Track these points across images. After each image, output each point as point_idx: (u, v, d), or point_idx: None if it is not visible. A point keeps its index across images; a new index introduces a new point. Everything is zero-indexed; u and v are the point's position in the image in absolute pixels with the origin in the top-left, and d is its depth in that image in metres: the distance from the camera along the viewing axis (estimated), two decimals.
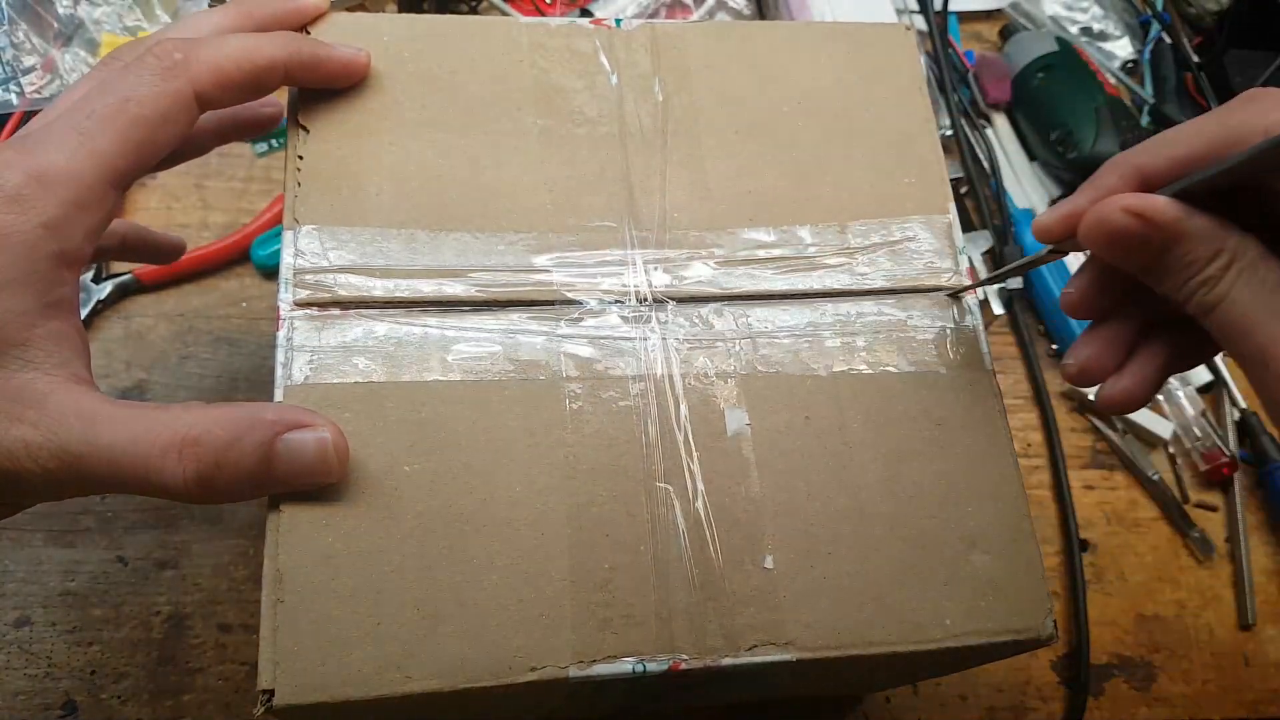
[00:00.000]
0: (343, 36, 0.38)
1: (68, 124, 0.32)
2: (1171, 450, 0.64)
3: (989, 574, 0.35)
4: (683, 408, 0.35)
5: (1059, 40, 0.72)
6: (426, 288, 0.36)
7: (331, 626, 0.31)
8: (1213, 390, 0.66)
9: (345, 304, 0.35)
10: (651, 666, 0.32)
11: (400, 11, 0.68)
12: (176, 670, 0.49)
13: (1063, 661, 0.57)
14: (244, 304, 0.59)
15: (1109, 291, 0.34)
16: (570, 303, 0.36)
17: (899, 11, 0.73)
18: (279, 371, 0.34)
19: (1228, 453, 0.62)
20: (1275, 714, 0.58)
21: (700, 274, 0.38)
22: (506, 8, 0.69)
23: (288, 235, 0.36)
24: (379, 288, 0.35)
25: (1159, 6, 0.79)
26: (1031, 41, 0.73)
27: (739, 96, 0.41)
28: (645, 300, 0.37)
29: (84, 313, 0.56)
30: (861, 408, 0.36)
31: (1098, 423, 0.64)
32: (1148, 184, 0.31)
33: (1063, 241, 0.33)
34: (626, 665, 0.32)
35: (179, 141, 0.34)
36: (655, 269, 0.37)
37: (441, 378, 0.34)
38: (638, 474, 0.34)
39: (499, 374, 0.35)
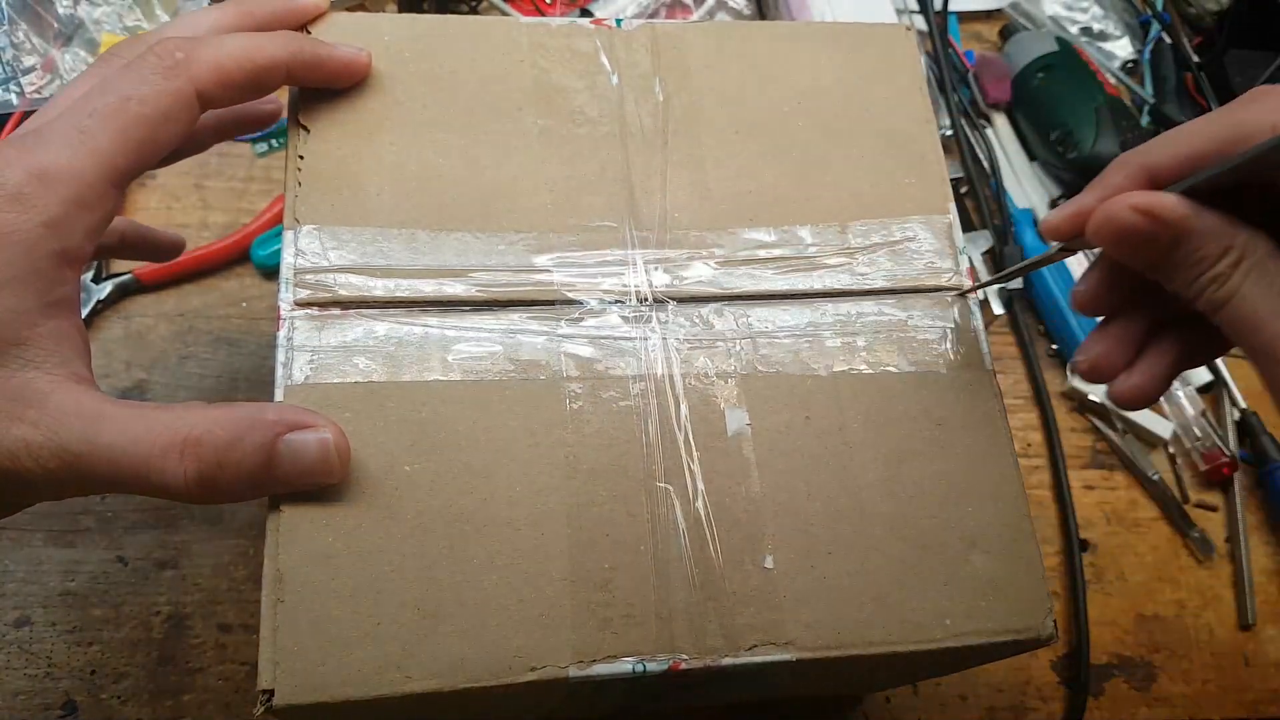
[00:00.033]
0: (343, 36, 0.38)
1: (69, 122, 0.31)
2: (1171, 450, 0.64)
3: (989, 574, 0.35)
4: (683, 408, 0.35)
5: (1059, 40, 0.72)
6: (427, 288, 0.36)
7: (331, 626, 0.31)
8: (1213, 390, 0.66)
9: (346, 304, 0.35)
10: (651, 666, 0.32)
11: (400, 11, 0.68)
12: (176, 670, 0.49)
13: (1063, 661, 0.57)
14: (244, 304, 0.59)
15: (1119, 289, 0.34)
16: (571, 303, 0.36)
17: (899, 11, 0.73)
18: (279, 371, 0.34)
19: (1228, 453, 0.62)
20: (1275, 714, 0.58)
21: (701, 274, 0.38)
22: (506, 8, 0.69)
23: (288, 235, 0.36)
24: (379, 287, 0.35)
25: (1159, 6, 0.79)
26: (1031, 41, 0.73)
27: (739, 96, 0.41)
28: (646, 300, 0.37)
29: (84, 313, 0.56)
30: (862, 408, 0.36)
31: (1098, 423, 0.64)
32: (1155, 182, 0.31)
33: (1071, 240, 0.33)
34: (626, 665, 0.32)
35: (180, 140, 0.34)
36: (656, 269, 0.37)
37: (442, 378, 0.34)
38: (638, 474, 0.34)
39: (499, 374, 0.35)
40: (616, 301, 0.37)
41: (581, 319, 0.36)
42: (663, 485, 0.34)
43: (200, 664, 0.50)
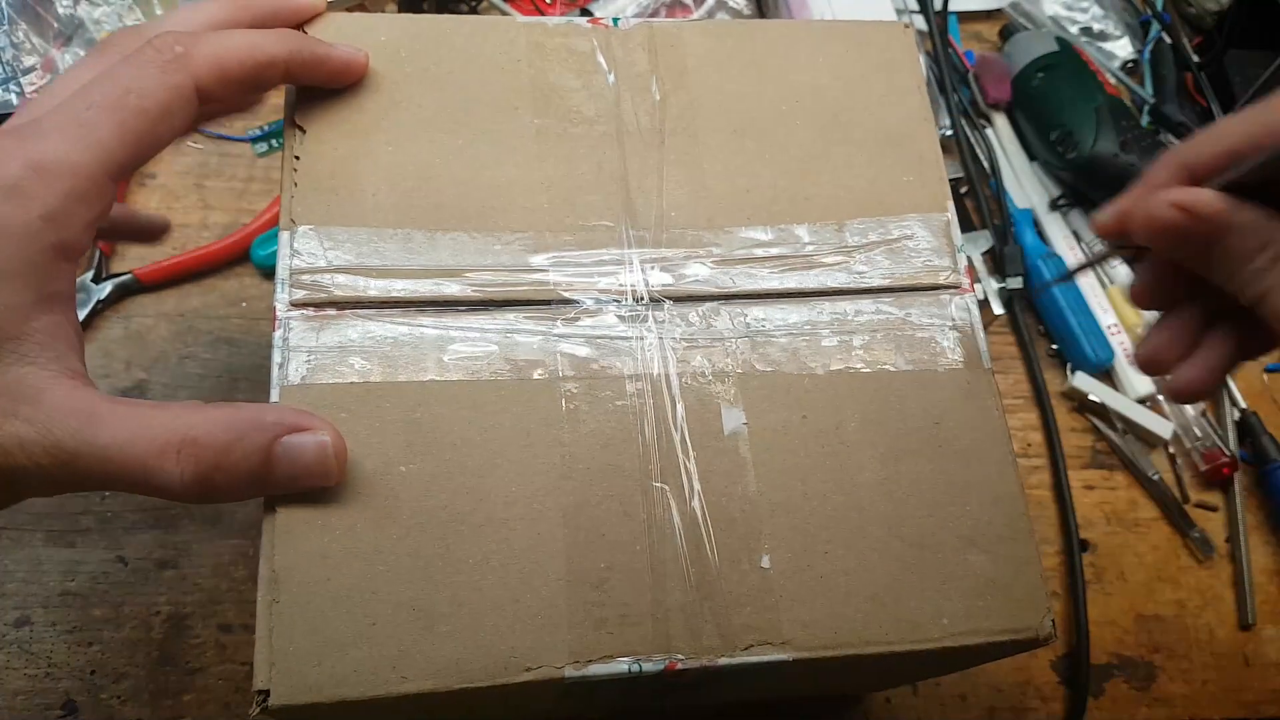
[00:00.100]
0: (341, 36, 0.38)
1: (67, 114, 0.31)
2: (1171, 450, 0.64)
3: (987, 573, 0.35)
4: (679, 407, 0.35)
5: (1059, 40, 0.72)
6: (423, 288, 0.36)
7: (327, 627, 0.31)
8: None
9: (342, 304, 0.35)
10: (647, 666, 0.32)
11: (400, 11, 0.68)
12: (176, 670, 0.49)
13: (1063, 661, 0.57)
14: (244, 304, 0.59)
15: (1172, 283, 0.35)
16: (567, 302, 0.36)
17: (899, 11, 0.73)
18: (275, 372, 0.34)
19: (1228, 453, 0.62)
20: (1275, 714, 0.57)
21: (697, 273, 0.38)
22: (506, 7, 0.69)
23: (284, 235, 0.36)
24: (375, 288, 0.35)
25: (1159, 6, 0.78)
26: (1031, 41, 0.72)
27: (737, 95, 0.41)
28: (642, 299, 0.37)
29: (84, 313, 0.56)
30: (859, 407, 0.36)
31: (1098, 423, 0.63)
32: (1196, 178, 0.32)
33: (1120, 237, 0.34)
34: (622, 665, 0.32)
35: (177, 135, 0.33)
36: (652, 268, 0.37)
37: (438, 378, 0.34)
38: (634, 473, 0.34)
39: (495, 374, 0.35)
40: (613, 301, 0.37)
41: (578, 318, 0.36)
42: (659, 485, 0.34)
43: (200, 664, 0.50)
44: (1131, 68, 0.78)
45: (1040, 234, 0.68)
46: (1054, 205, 0.69)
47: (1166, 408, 0.64)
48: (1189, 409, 0.63)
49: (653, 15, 0.72)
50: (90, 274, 0.57)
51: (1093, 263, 0.38)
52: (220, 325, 0.58)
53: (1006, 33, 0.77)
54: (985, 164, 0.70)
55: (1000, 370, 0.64)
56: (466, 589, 0.32)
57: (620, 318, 0.36)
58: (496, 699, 0.33)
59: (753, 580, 0.33)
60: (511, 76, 0.40)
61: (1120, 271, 0.67)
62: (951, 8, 0.75)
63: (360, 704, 0.30)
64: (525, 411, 0.34)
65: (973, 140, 0.70)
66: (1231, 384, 0.65)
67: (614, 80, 0.40)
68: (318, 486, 0.32)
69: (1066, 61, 0.70)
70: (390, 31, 0.39)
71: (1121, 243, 0.35)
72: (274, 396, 0.33)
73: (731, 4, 0.73)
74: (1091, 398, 0.63)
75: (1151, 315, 0.66)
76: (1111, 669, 0.57)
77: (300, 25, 0.38)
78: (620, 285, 0.37)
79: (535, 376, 0.35)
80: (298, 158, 0.37)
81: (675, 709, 0.50)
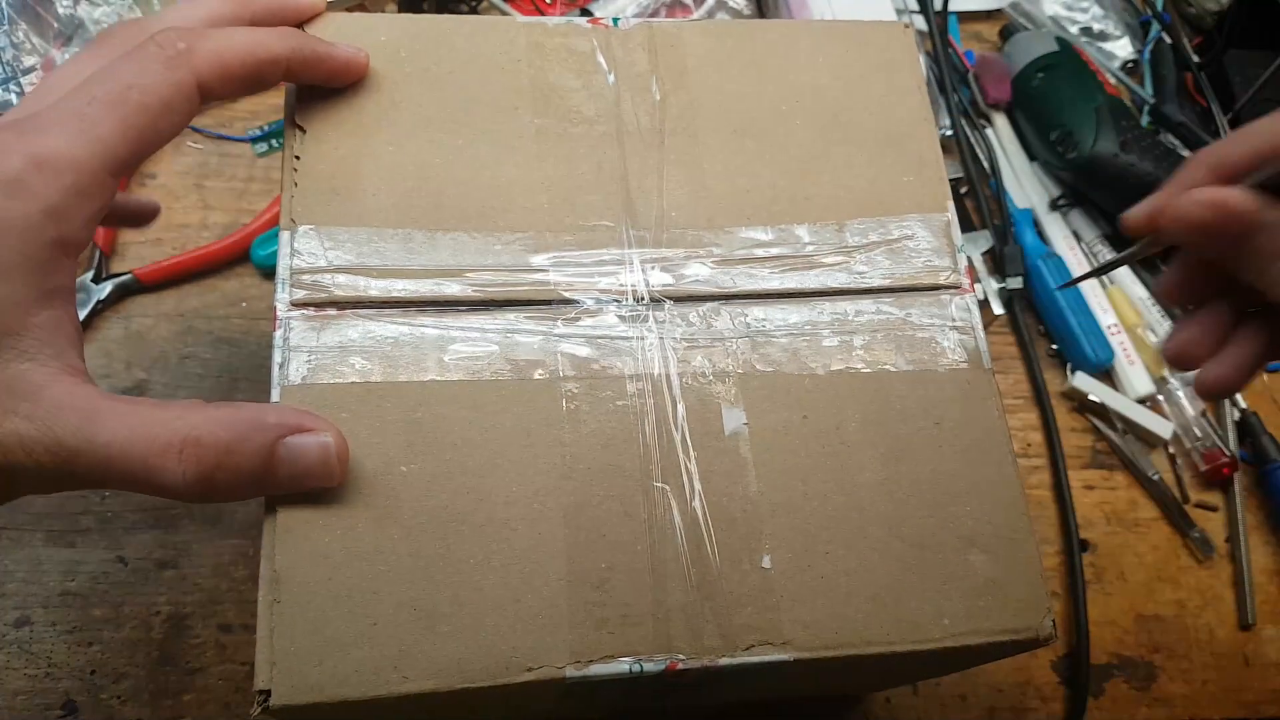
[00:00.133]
0: (341, 36, 0.38)
1: (68, 109, 0.31)
2: (1171, 450, 0.64)
3: (988, 573, 0.35)
4: (680, 407, 0.35)
5: (1059, 40, 0.72)
6: (423, 288, 0.36)
7: (328, 627, 0.31)
8: None
9: (342, 304, 0.35)
10: (649, 666, 0.32)
11: (399, 11, 0.68)
12: (176, 670, 0.49)
13: (1063, 661, 0.57)
14: (244, 304, 0.59)
15: (1201, 281, 0.35)
16: (567, 302, 0.36)
17: (899, 11, 0.73)
18: (276, 372, 0.34)
19: (1228, 453, 0.62)
20: (1275, 714, 0.58)
21: (698, 273, 0.38)
22: (506, 7, 0.69)
23: (284, 235, 0.36)
24: (376, 288, 0.35)
25: (1159, 6, 0.78)
26: (1031, 41, 0.72)
27: (737, 95, 0.41)
28: (642, 299, 0.37)
29: (84, 313, 0.56)
30: (859, 407, 0.36)
31: (1098, 423, 0.63)
32: (1228, 177, 0.32)
33: (1150, 235, 0.34)
34: (623, 665, 0.32)
35: (178, 131, 0.33)
36: (652, 268, 0.37)
37: (438, 378, 0.34)
38: (635, 473, 0.34)
39: (496, 374, 0.35)
40: (613, 301, 0.37)
41: (578, 318, 0.36)
42: (660, 485, 0.34)
43: (200, 664, 0.50)
44: (1131, 68, 0.78)
45: (1040, 234, 0.68)
46: (1054, 205, 0.69)
47: (1166, 408, 0.64)
48: (1189, 409, 0.63)
49: (652, 15, 0.72)
50: (90, 274, 0.57)
51: (1121, 261, 0.39)
52: (220, 325, 0.58)
53: (1006, 33, 0.77)
54: (985, 164, 0.70)
55: (1000, 370, 0.64)
56: (467, 589, 0.32)
57: (621, 318, 0.36)
58: (498, 699, 0.33)
59: (754, 580, 0.33)
60: (511, 76, 0.40)
61: (1120, 272, 0.67)
62: (951, 8, 0.75)
63: (361, 704, 0.30)
64: (526, 411, 0.34)
65: (973, 140, 0.70)
66: None
67: (614, 80, 0.40)
68: (320, 487, 0.32)
69: (1066, 61, 0.70)
70: (390, 31, 0.39)
71: (1151, 240, 0.35)
72: (275, 396, 0.33)
73: (731, 4, 0.73)
74: (1091, 398, 0.63)
75: (1152, 317, 0.66)
76: (1111, 669, 0.57)
77: (300, 25, 0.38)
78: (620, 285, 0.37)
79: (536, 376, 0.35)
80: (298, 157, 0.37)
81: (676, 709, 0.50)
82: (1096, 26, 0.79)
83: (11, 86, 0.60)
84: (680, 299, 0.37)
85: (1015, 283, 0.65)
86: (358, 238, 0.36)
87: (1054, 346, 0.66)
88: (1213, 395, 0.36)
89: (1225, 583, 0.61)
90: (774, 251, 0.38)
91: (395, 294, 0.35)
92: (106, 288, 0.57)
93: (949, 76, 0.71)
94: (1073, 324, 0.64)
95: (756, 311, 0.37)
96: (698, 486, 0.34)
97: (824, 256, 0.39)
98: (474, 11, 0.69)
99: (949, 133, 0.69)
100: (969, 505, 0.36)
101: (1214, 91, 0.74)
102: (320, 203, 0.36)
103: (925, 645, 0.33)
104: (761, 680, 0.38)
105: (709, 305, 0.37)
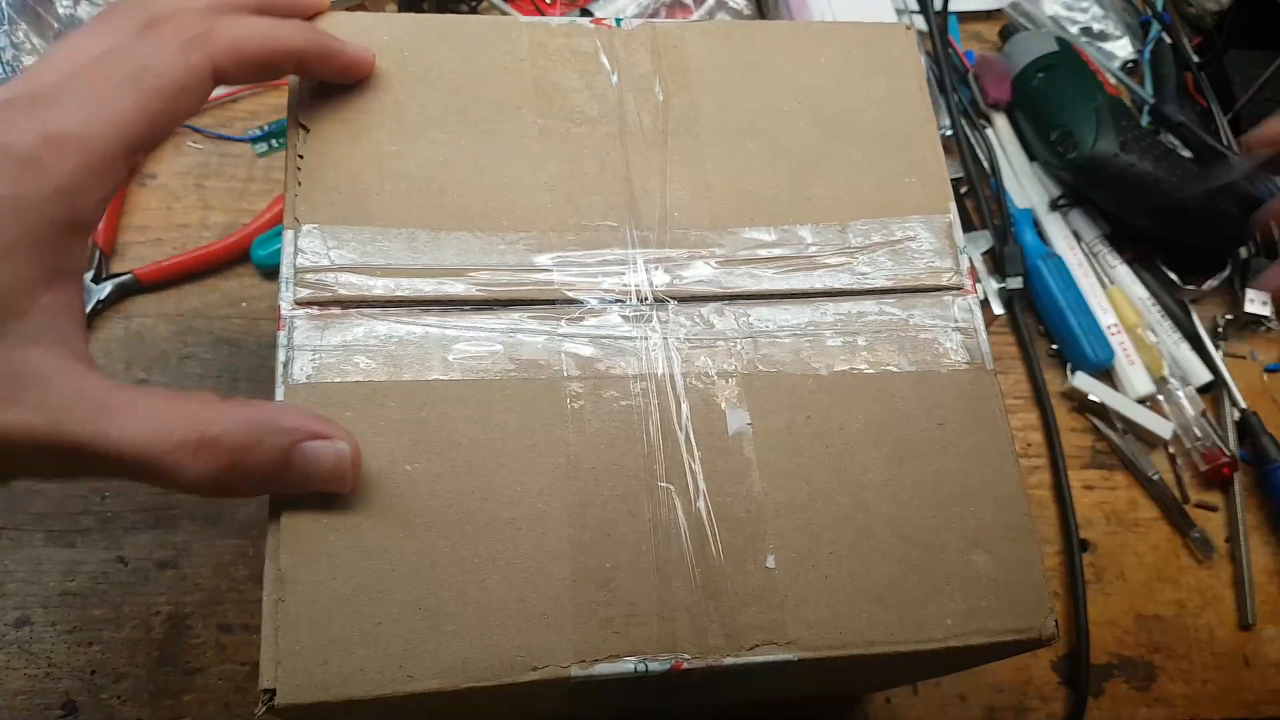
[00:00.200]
0: (343, 35, 0.38)
1: (83, 85, 0.30)
2: (1171, 450, 0.64)
3: (990, 573, 0.35)
4: (684, 407, 0.35)
5: (1059, 40, 0.72)
6: (427, 287, 0.36)
7: (333, 626, 0.31)
8: (1213, 390, 0.66)
9: (346, 303, 0.35)
10: (653, 666, 0.32)
11: (400, 11, 0.67)
12: (176, 670, 0.49)
13: (1063, 661, 0.57)
14: (244, 304, 0.59)
15: None
16: (571, 302, 0.36)
17: (899, 11, 0.73)
18: (280, 371, 0.33)
19: (1228, 453, 0.62)
20: (1275, 714, 0.58)
21: (701, 273, 0.38)
22: (506, 7, 0.69)
23: (288, 235, 0.36)
24: (380, 287, 0.35)
25: (1159, 6, 0.79)
26: (1031, 41, 0.73)
27: (739, 96, 0.41)
28: (646, 299, 0.37)
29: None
30: (862, 407, 0.36)
31: (1098, 423, 0.64)
32: None
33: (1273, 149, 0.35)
34: (628, 665, 0.32)
35: (191, 115, 0.33)
36: (656, 268, 0.37)
37: (442, 377, 0.34)
38: (639, 473, 0.34)
39: (500, 373, 0.35)
40: (617, 301, 0.37)
41: (582, 318, 0.36)
42: (664, 485, 0.34)
43: (200, 664, 0.50)
44: (1131, 68, 0.78)
45: (1040, 234, 0.68)
46: (1054, 205, 0.69)
47: (1166, 408, 0.64)
48: (1189, 409, 0.63)
49: (652, 15, 0.72)
50: (90, 274, 0.57)
51: (1245, 176, 0.39)
52: (220, 325, 0.58)
53: (1006, 33, 0.77)
54: (985, 164, 0.70)
55: (1000, 370, 0.64)
56: (472, 588, 0.32)
57: (624, 318, 0.36)
58: (502, 698, 0.33)
59: (758, 580, 0.33)
60: (515, 76, 0.40)
61: (1120, 272, 0.67)
62: (951, 8, 0.75)
63: (366, 703, 0.30)
64: (530, 411, 0.34)
65: (973, 140, 0.70)
66: (1232, 384, 0.65)
67: (617, 80, 0.40)
68: (330, 493, 0.31)
69: (1066, 61, 0.70)
70: (392, 31, 0.39)
71: (1273, 154, 0.35)
72: (279, 395, 0.33)
73: (731, 4, 0.73)
74: (1091, 398, 0.63)
75: (1152, 317, 0.66)
76: (1111, 669, 0.57)
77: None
78: (624, 285, 0.37)
79: (540, 376, 0.35)
80: (301, 156, 0.37)
81: (680, 709, 0.50)
82: (1096, 26, 0.79)
83: None
84: (684, 299, 0.37)
85: (1015, 283, 0.65)
86: (361, 237, 0.36)
87: (1054, 346, 0.66)
88: None
89: (1225, 583, 0.61)
90: (777, 252, 0.39)
91: (399, 293, 0.35)
92: (106, 288, 0.57)
93: (949, 76, 0.71)
94: (1073, 324, 0.64)
95: (760, 312, 0.37)
96: (702, 486, 0.34)
97: (827, 257, 0.39)
98: (474, 11, 0.69)
99: (949, 133, 0.69)
100: (971, 506, 0.36)
101: (1214, 91, 0.74)
102: (324, 202, 0.36)
103: (928, 645, 0.34)
104: (765, 680, 0.38)
105: (712, 305, 0.37)
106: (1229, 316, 0.68)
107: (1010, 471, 0.36)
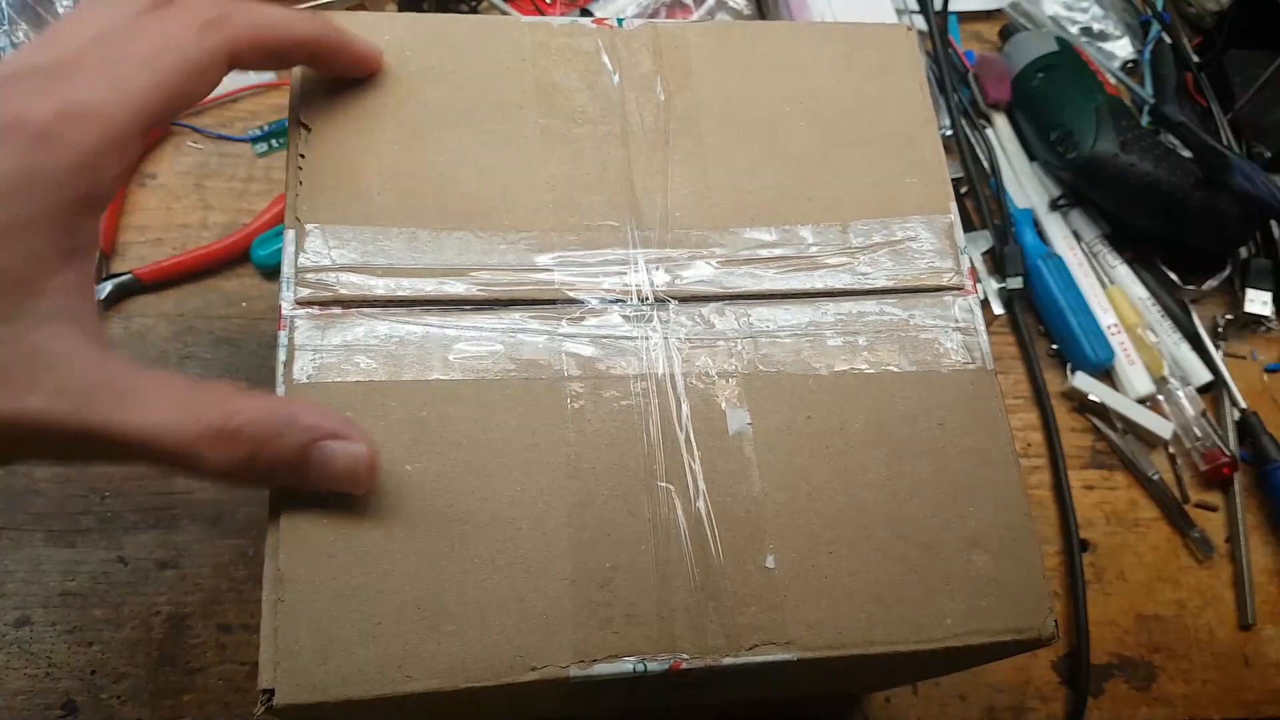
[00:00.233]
0: None
1: (100, 59, 0.30)
2: (1171, 450, 0.64)
3: (990, 573, 0.35)
4: (684, 407, 0.35)
5: (1059, 40, 0.72)
6: (428, 287, 0.36)
7: (332, 626, 0.31)
8: (1213, 390, 0.66)
9: (347, 303, 0.35)
10: (652, 666, 0.32)
11: (400, 11, 0.67)
12: (176, 670, 0.49)
13: (1063, 661, 0.57)
14: (244, 304, 0.59)
15: None
16: (572, 302, 0.36)
17: (899, 11, 0.73)
18: (280, 370, 0.33)
19: (1228, 453, 0.62)
20: (1275, 714, 0.58)
21: (702, 273, 0.38)
22: (506, 7, 0.69)
23: (289, 234, 0.36)
24: (381, 286, 0.35)
25: (1159, 6, 0.79)
26: (1031, 41, 0.73)
27: (741, 96, 0.41)
28: (647, 299, 0.37)
29: None
30: (863, 407, 0.36)
31: (1098, 423, 0.64)
32: None
33: None
34: (627, 665, 0.32)
35: (204, 97, 0.32)
36: (657, 268, 0.37)
37: (443, 377, 0.34)
38: (639, 473, 0.34)
39: (500, 373, 0.35)
40: (618, 301, 0.37)
41: (583, 318, 0.36)
42: (664, 485, 0.34)
43: (200, 664, 0.50)
44: (1131, 68, 0.78)
45: (1040, 234, 0.68)
46: (1054, 205, 0.69)
47: (1166, 408, 0.64)
48: (1189, 409, 0.63)
49: (652, 15, 0.72)
50: None
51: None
52: (220, 325, 0.58)
53: (1006, 33, 0.77)
54: (985, 164, 0.70)
55: (1000, 370, 0.64)
56: (472, 588, 0.32)
57: (625, 318, 0.36)
58: (502, 698, 0.33)
59: (757, 580, 0.33)
60: (516, 76, 0.40)
61: (1120, 272, 0.67)
62: (951, 8, 0.75)
63: (365, 703, 0.30)
64: (531, 411, 0.34)
65: (973, 140, 0.70)
66: (1232, 384, 0.65)
67: (618, 80, 0.40)
68: (343, 493, 0.31)
69: (1066, 61, 0.70)
70: (393, 31, 0.39)
71: None
72: (279, 394, 0.33)
73: (731, 4, 0.73)
74: (1091, 398, 0.63)
75: (1152, 317, 0.66)
76: (1111, 669, 0.57)
77: None
78: (625, 285, 0.37)
79: (540, 376, 0.35)
80: (303, 155, 0.37)
81: (679, 709, 0.50)
82: (1096, 26, 0.79)
83: None
84: (684, 299, 0.37)
85: (1015, 283, 0.65)
86: (362, 236, 0.36)
87: (1054, 346, 0.66)
88: None
89: (1225, 583, 0.61)
90: (778, 252, 0.39)
91: (400, 293, 0.35)
92: (106, 288, 0.57)
93: (949, 76, 0.71)
94: (1073, 324, 0.64)
95: (760, 312, 0.37)
96: (702, 486, 0.34)
97: (828, 257, 0.39)
98: (474, 11, 0.69)
99: (949, 133, 0.69)
100: (972, 506, 0.36)
101: (1214, 91, 0.74)
102: (325, 201, 0.36)
103: (928, 645, 0.34)
104: (765, 680, 0.38)
105: (713, 305, 0.37)
106: (1229, 316, 0.68)
107: (1011, 472, 0.36)
